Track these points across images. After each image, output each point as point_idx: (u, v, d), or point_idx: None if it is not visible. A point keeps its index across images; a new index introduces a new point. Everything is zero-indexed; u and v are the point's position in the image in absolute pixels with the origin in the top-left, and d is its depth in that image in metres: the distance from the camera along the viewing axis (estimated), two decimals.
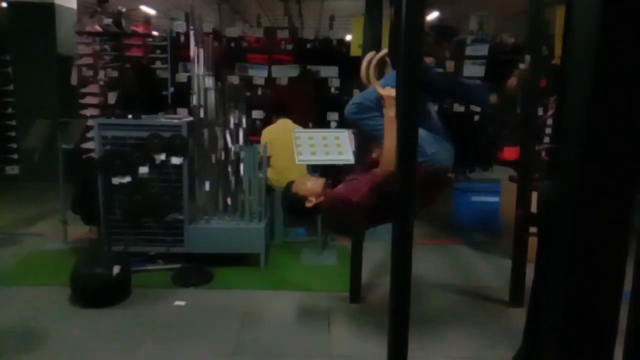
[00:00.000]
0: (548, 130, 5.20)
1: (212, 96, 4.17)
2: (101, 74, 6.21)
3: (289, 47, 6.25)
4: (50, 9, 6.70)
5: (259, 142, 4.66)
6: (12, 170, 7.09)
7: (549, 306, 0.88)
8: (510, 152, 5.27)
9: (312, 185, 2.62)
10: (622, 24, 0.74)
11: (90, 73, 6.26)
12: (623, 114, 0.77)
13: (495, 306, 3.52)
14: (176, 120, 4.08)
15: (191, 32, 4.18)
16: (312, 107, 5.85)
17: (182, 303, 3.45)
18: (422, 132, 2.34)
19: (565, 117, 0.84)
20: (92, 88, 6.24)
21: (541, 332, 1.25)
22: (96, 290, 3.37)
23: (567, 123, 0.83)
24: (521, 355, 1.79)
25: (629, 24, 0.74)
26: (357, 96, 2.66)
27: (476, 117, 6.04)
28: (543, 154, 3.27)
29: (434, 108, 2.82)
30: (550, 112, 5.18)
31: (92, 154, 4.41)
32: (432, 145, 2.45)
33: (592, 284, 0.82)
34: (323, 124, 5.86)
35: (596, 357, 0.84)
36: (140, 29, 6.62)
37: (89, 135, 5.34)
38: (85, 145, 5.64)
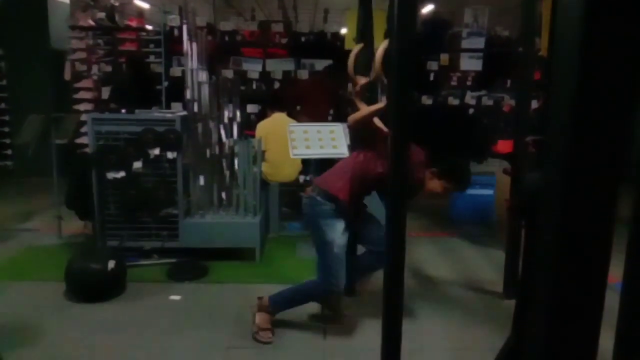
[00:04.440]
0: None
1: (205, 90, 4.16)
2: (95, 69, 6.16)
3: (284, 40, 6.22)
4: (43, 3, 6.65)
5: (253, 136, 4.65)
6: (6, 165, 7.05)
7: (536, 295, 0.89)
8: (504, 145, 5.28)
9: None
10: (607, 15, 0.75)
11: (84, 68, 6.21)
12: (609, 105, 0.78)
13: (490, 298, 3.54)
14: (170, 115, 4.07)
15: (184, 26, 4.16)
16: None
17: (177, 297, 3.46)
18: None
19: (552, 109, 0.85)
20: (86, 83, 6.19)
21: (528, 321, 1.27)
22: (91, 285, 3.37)
23: (553, 114, 0.84)
24: (509, 345, 1.81)
25: (614, 15, 0.74)
26: None
27: (471, 110, 6.04)
28: (530, 146, 3.28)
29: None
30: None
31: (86, 149, 4.39)
32: None
33: (577, 274, 0.83)
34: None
35: (581, 345, 0.85)
36: (133, 23, 6.56)
37: (82, 130, 5.31)
38: (79, 140, 5.61)
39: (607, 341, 1.04)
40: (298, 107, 5.54)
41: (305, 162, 4.83)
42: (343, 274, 2.83)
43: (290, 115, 5.02)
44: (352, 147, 4.01)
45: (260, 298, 3.00)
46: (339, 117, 5.47)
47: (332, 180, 2.85)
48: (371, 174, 2.73)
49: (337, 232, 2.78)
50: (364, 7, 3.30)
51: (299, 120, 4.87)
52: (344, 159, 3.02)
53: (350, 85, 5.73)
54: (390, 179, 1.83)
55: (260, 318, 2.93)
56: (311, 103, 5.57)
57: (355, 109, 2.75)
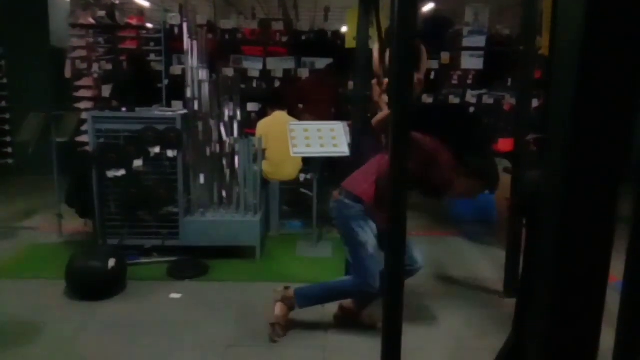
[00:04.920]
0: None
1: (206, 89, 4.15)
2: (95, 67, 6.17)
3: (284, 39, 6.22)
4: (44, 1, 6.64)
5: (254, 134, 4.65)
6: (7, 163, 7.05)
7: (536, 294, 0.89)
8: (505, 144, 5.28)
9: None
10: (607, 15, 0.74)
11: (84, 66, 6.22)
12: (608, 105, 0.77)
13: (490, 297, 3.54)
14: (170, 113, 4.07)
15: (185, 24, 4.16)
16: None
17: (178, 296, 3.46)
18: None
19: (552, 107, 0.85)
20: (86, 81, 6.21)
21: (529, 321, 1.27)
22: (92, 283, 3.37)
23: (553, 113, 0.84)
24: (510, 344, 1.80)
25: (614, 15, 0.74)
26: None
27: (471, 109, 6.04)
28: (531, 144, 3.28)
29: None
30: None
31: (87, 147, 4.39)
32: None
33: (577, 273, 0.83)
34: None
35: (581, 345, 0.85)
36: (134, 21, 6.57)
37: (83, 128, 5.31)
38: (80, 139, 5.62)
39: (607, 341, 1.04)
40: (301, 106, 5.53)
41: (306, 161, 4.82)
42: (378, 273, 2.79)
43: (290, 113, 5.02)
44: (354, 148, 4.00)
45: (287, 288, 2.98)
46: (340, 116, 5.47)
47: (358, 183, 2.82)
48: None
49: (370, 233, 2.76)
50: (365, 5, 3.28)
51: (301, 119, 4.87)
52: (370, 161, 2.94)
53: (351, 83, 5.76)
54: (390, 178, 1.83)
55: (280, 310, 2.93)
56: (312, 101, 5.57)
57: (375, 109, 2.72)
